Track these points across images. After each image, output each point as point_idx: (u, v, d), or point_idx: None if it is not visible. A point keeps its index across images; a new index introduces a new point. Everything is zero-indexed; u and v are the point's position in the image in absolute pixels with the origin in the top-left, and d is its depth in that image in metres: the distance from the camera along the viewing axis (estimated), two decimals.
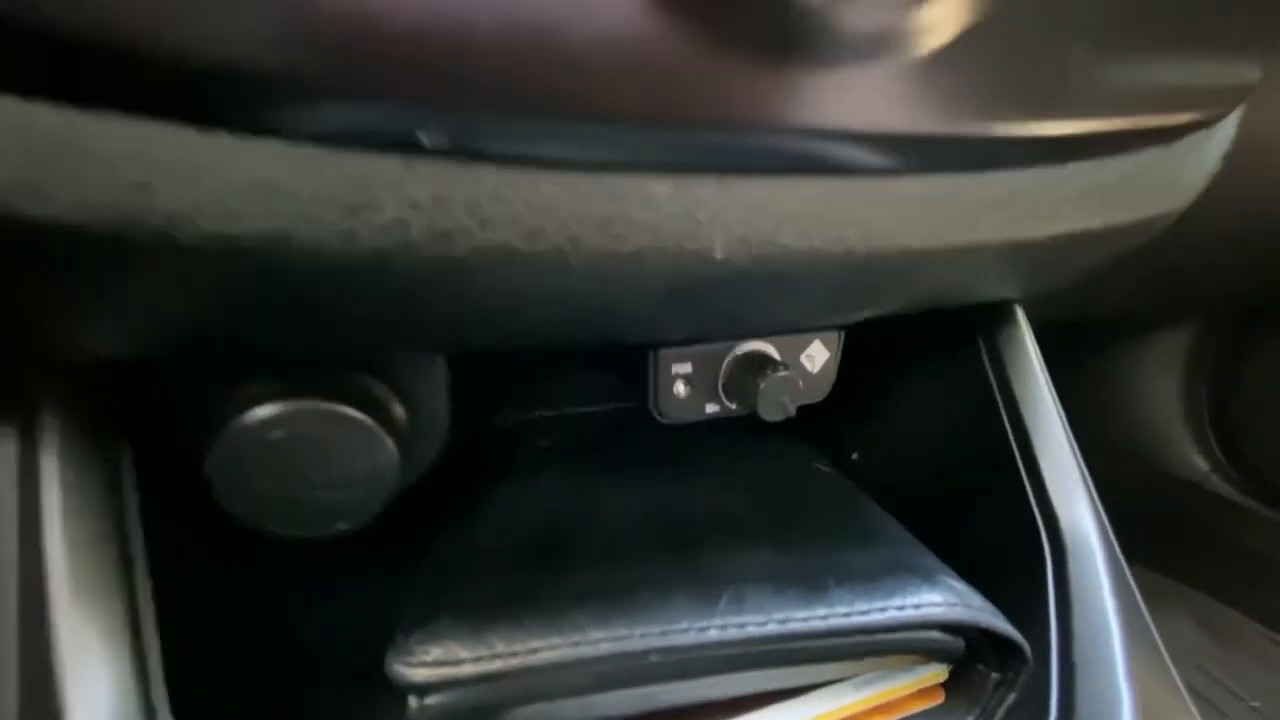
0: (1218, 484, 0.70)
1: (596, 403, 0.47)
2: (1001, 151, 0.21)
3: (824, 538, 0.30)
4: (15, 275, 0.17)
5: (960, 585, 0.27)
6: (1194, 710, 0.28)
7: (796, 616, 0.24)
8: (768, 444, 0.42)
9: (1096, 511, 0.30)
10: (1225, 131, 0.28)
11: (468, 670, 0.22)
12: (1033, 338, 0.34)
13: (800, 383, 0.31)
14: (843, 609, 0.25)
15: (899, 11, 0.16)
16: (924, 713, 0.28)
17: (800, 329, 0.33)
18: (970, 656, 0.27)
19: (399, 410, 0.28)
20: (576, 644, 0.23)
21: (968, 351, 0.35)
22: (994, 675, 0.27)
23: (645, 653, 0.23)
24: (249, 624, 0.32)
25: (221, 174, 0.15)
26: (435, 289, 0.19)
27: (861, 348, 0.36)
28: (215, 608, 0.29)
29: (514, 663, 0.22)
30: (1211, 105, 0.25)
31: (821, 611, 0.25)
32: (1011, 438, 0.32)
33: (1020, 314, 0.34)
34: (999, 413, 0.33)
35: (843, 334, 0.35)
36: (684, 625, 0.23)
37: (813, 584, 0.26)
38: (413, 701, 0.22)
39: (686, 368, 0.32)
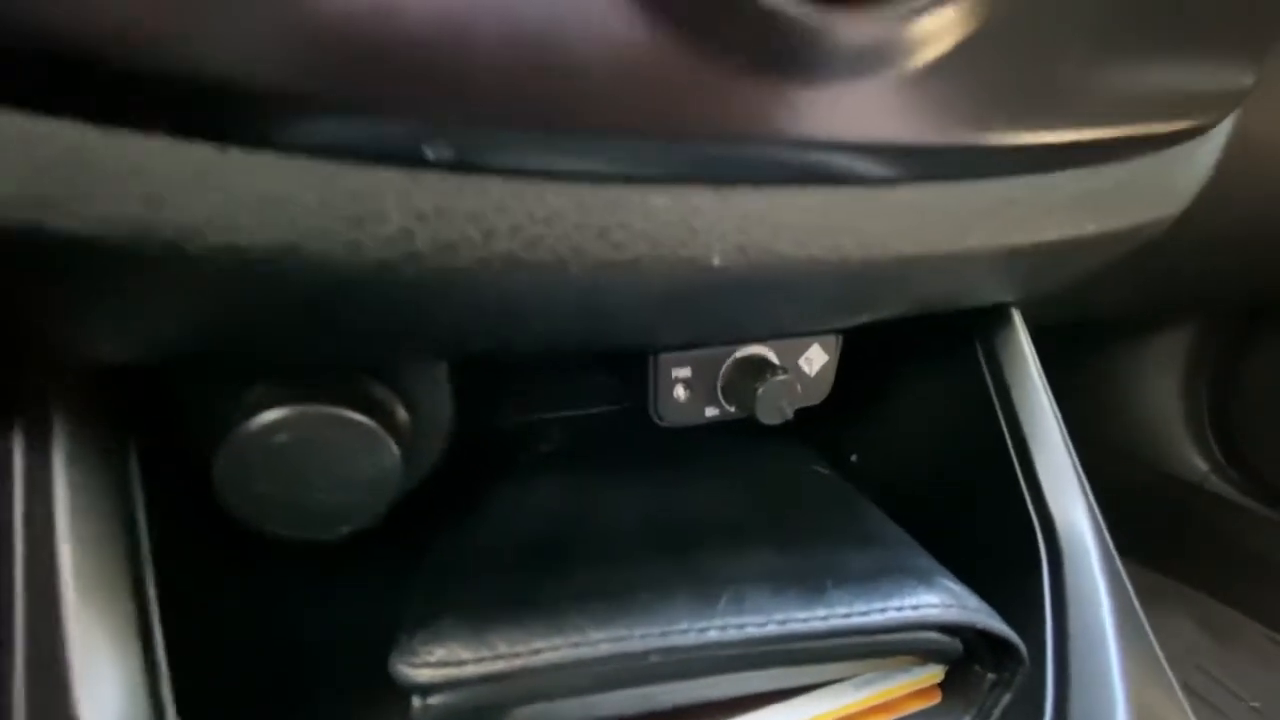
0: (1218, 484, 0.70)
1: (596, 405, 0.48)
2: (995, 160, 0.22)
3: (823, 539, 0.31)
4: (28, 284, 0.17)
5: (957, 586, 0.28)
6: (1188, 710, 0.28)
7: (795, 617, 0.25)
8: (767, 446, 0.42)
9: (1092, 512, 0.30)
10: (1218, 138, 0.28)
11: (470, 671, 0.22)
12: (1029, 340, 0.34)
13: (798, 386, 0.32)
14: (841, 610, 0.25)
15: (894, 26, 0.16)
16: (921, 713, 0.28)
17: (798, 333, 0.33)
18: (967, 657, 0.28)
19: (402, 414, 0.29)
20: (577, 645, 0.23)
21: (965, 354, 0.35)
22: (990, 676, 0.28)
23: (645, 653, 0.23)
24: (253, 624, 0.32)
25: (231, 187, 0.15)
26: (439, 298, 0.19)
27: (860, 351, 0.36)
28: (219, 608, 0.30)
29: (516, 663, 0.22)
30: (1205, 112, 0.25)
31: (820, 612, 0.25)
32: (1008, 439, 0.32)
33: (1017, 317, 0.35)
34: (996, 415, 0.33)
35: (840, 337, 0.35)
36: (684, 626, 0.24)
37: (811, 585, 0.26)
38: (416, 701, 0.22)
39: (686, 371, 0.32)
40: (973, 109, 0.19)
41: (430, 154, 0.16)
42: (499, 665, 0.22)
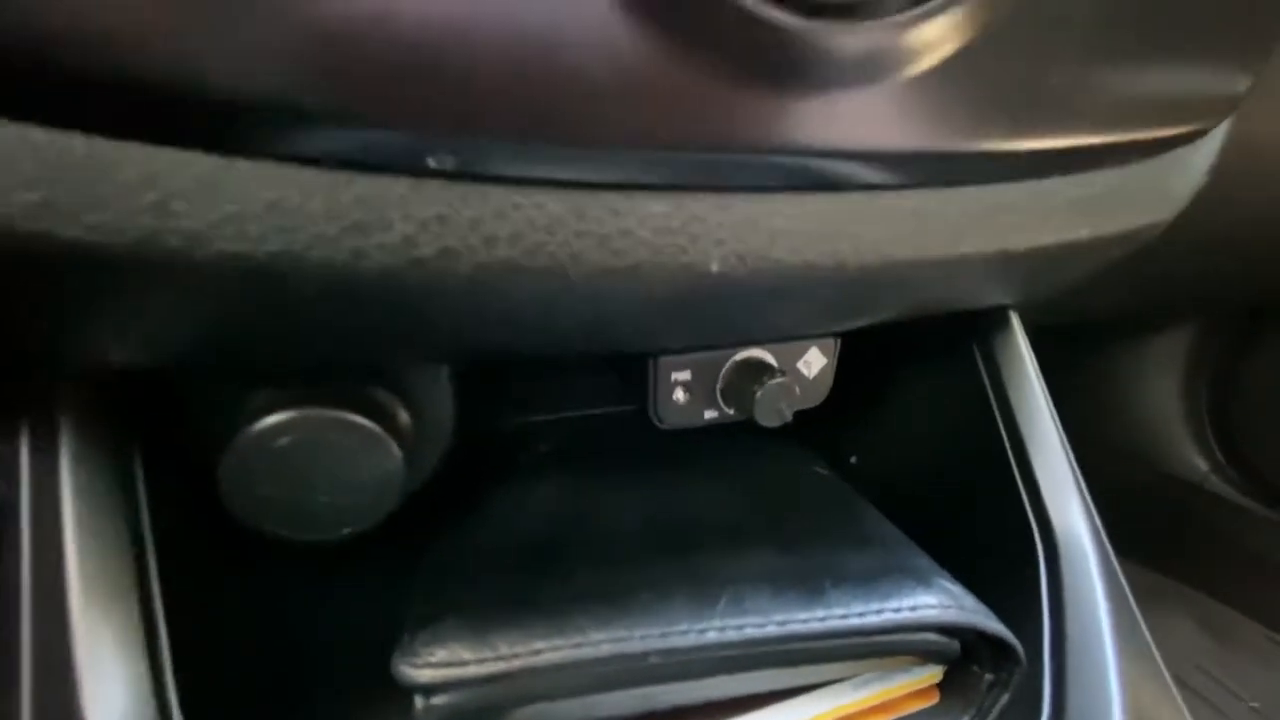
0: (1218, 484, 0.70)
1: (596, 407, 0.48)
2: (991, 166, 0.22)
3: (821, 540, 0.31)
4: (36, 291, 0.18)
5: (955, 587, 0.28)
6: (1185, 711, 0.29)
7: (795, 618, 0.25)
8: (766, 448, 0.42)
9: (1089, 513, 0.30)
10: (1213, 142, 0.29)
11: (472, 671, 0.22)
12: (1027, 342, 0.34)
13: (797, 389, 0.32)
14: (840, 611, 0.25)
15: (888, 36, 0.17)
16: (920, 713, 0.28)
17: (796, 336, 0.34)
18: (965, 658, 0.28)
19: (404, 417, 0.29)
20: (578, 645, 0.23)
21: (963, 356, 0.35)
22: (988, 676, 0.28)
23: (645, 654, 0.23)
24: (255, 624, 0.32)
25: (238, 196, 0.15)
26: (441, 304, 0.19)
27: (858, 353, 0.36)
28: (223, 608, 0.30)
29: (517, 664, 0.22)
30: (1200, 118, 0.25)
31: (819, 613, 0.25)
32: (1006, 441, 0.32)
33: (1014, 319, 0.35)
34: (994, 416, 0.33)
35: (839, 340, 0.35)
36: (684, 627, 0.24)
37: (810, 586, 0.26)
38: (418, 702, 0.23)
39: (685, 374, 0.32)
40: (969, 116, 0.20)
41: (433, 163, 0.16)
42: (500, 665, 0.22)
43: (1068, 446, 0.32)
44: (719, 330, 0.30)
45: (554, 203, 0.18)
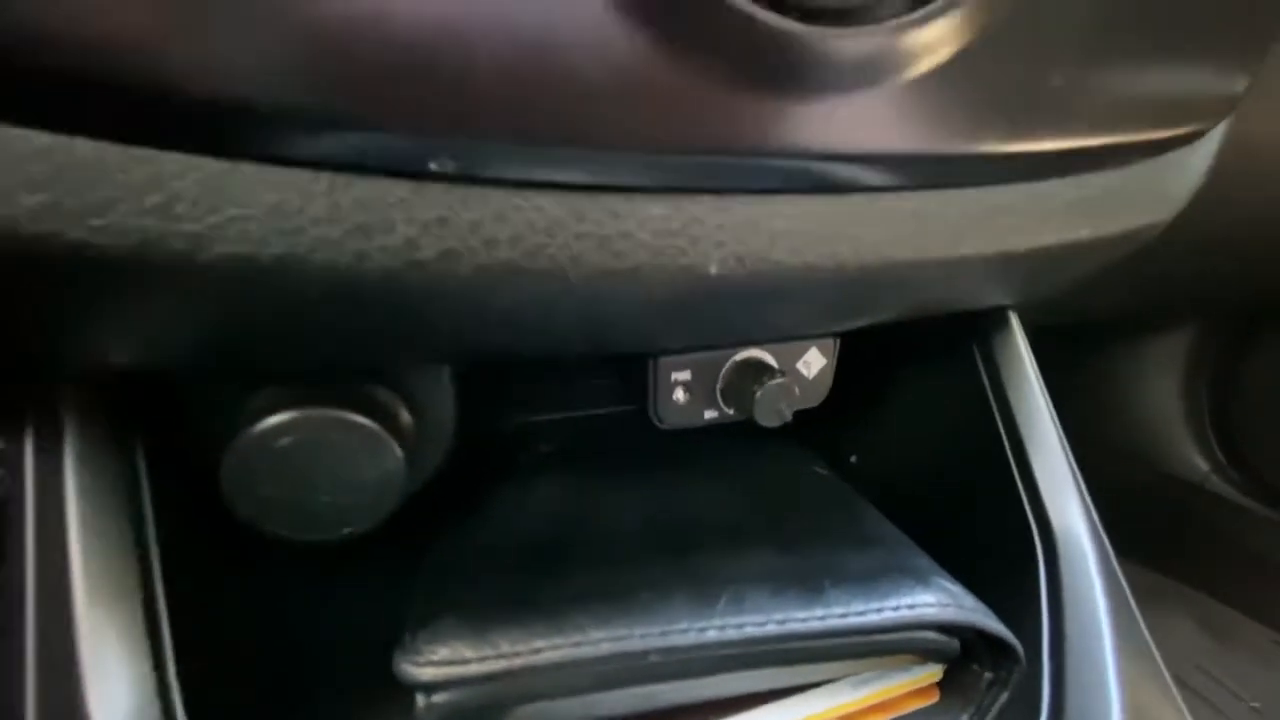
0: (1218, 484, 0.70)
1: (597, 408, 0.48)
2: (990, 168, 0.22)
3: (821, 540, 0.31)
4: (41, 292, 0.18)
5: (954, 586, 0.28)
6: (1183, 708, 0.29)
7: (794, 617, 0.25)
8: (766, 448, 0.42)
9: (1088, 513, 0.31)
10: (1211, 143, 0.29)
11: (474, 669, 0.22)
12: (1026, 342, 0.34)
13: (796, 389, 0.32)
14: (839, 610, 0.25)
15: (887, 40, 0.17)
16: (919, 711, 0.28)
17: (796, 337, 0.34)
18: (964, 656, 0.28)
19: (406, 417, 0.29)
20: (578, 644, 0.23)
21: (962, 356, 0.35)
22: (988, 675, 0.28)
23: (645, 652, 0.23)
24: (257, 624, 0.32)
25: (241, 199, 0.15)
26: (442, 305, 0.20)
27: (858, 353, 0.36)
28: (224, 608, 0.30)
29: (518, 662, 0.23)
30: (1198, 119, 0.25)
31: (819, 612, 0.25)
32: (1005, 441, 0.32)
33: (1014, 319, 0.35)
34: (993, 416, 0.33)
35: (838, 341, 0.35)
36: (684, 625, 0.24)
37: (810, 585, 0.26)
38: (420, 700, 0.23)
39: (685, 374, 0.32)
40: (967, 119, 0.20)
41: (434, 166, 0.16)
42: (501, 664, 0.22)
43: (1067, 446, 0.32)
44: (719, 331, 0.30)
45: (554, 205, 0.18)
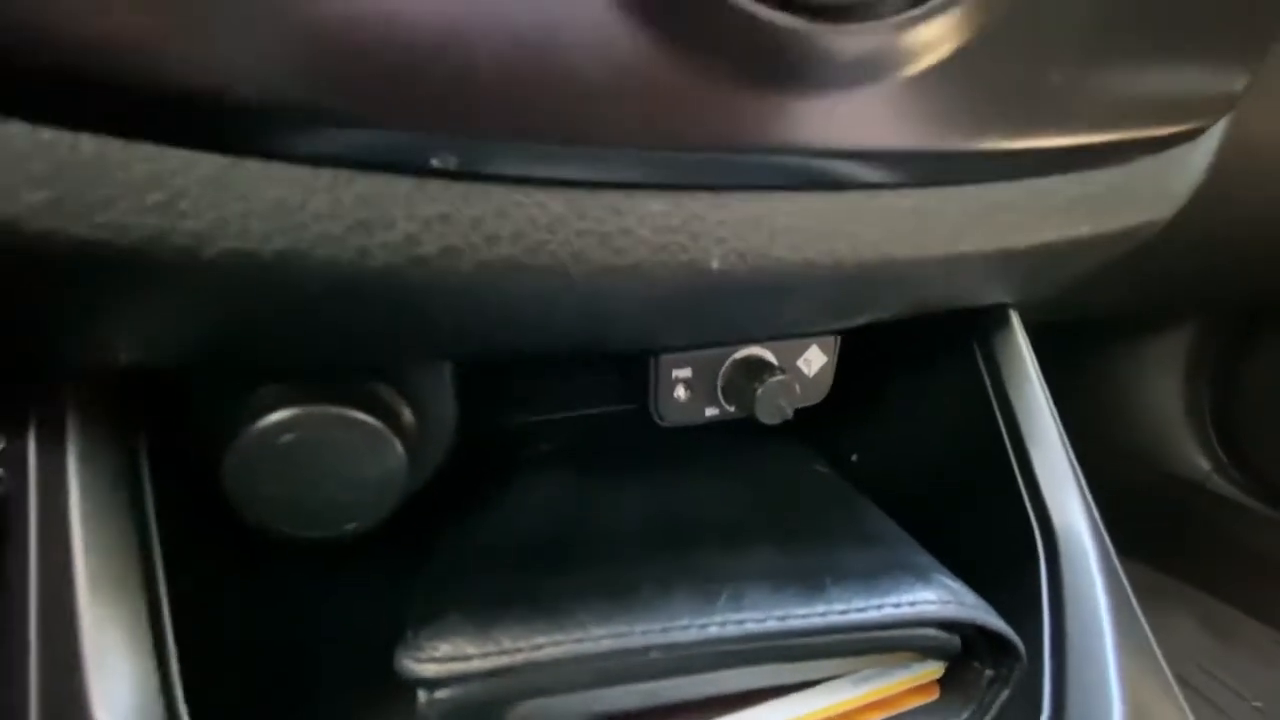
0: (1219, 484, 0.70)
1: (598, 405, 0.48)
2: (990, 165, 0.22)
3: (822, 537, 0.31)
4: (44, 289, 0.18)
5: (955, 583, 0.28)
6: (1185, 706, 0.29)
7: (795, 614, 0.25)
8: (767, 446, 0.42)
9: (1089, 511, 0.31)
10: (1211, 140, 0.29)
11: (475, 666, 0.22)
12: (1027, 340, 0.34)
13: (797, 386, 0.32)
14: (840, 606, 0.25)
15: (887, 37, 0.17)
16: (920, 709, 0.28)
17: (797, 334, 0.34)
18: (965, 654, 0.28)
19: (408, 414, 0.29)
20: (580, 640, 0.23)
21: (963, 354, 0.35)
22: (988, 672, 0.28)
23: (646, 649, 0.23)
24: (259, 621, 0.32)
25: (244, 195, 0.15)
26: (444, 302, 0.20)
27: (859, 351, 0.37)
28: (226, 606, 0.30)
29: (519, 658, 0.23)
30: (1198, 116, 0.25)
31: (819, 609, 0.25)
32: (1006, 438, 0.32)
33: (1014, 317, 0.35)
34: (994, 414, 0.33)
35: (839, 338, 0.35)
36: (685, 622, 0.24)
37: (811, 582, 0.26)
38: (422, 696, 0.23)
39: (686, 372, 0.32)
40: (967, 116, 0.20)
41: (435, 162, 0.16)
42: (503, 660, 0.23)
43: (1068, 444, 0.32)
44: (719, 328, 0.30)
45: (555, 201, 0.18)
